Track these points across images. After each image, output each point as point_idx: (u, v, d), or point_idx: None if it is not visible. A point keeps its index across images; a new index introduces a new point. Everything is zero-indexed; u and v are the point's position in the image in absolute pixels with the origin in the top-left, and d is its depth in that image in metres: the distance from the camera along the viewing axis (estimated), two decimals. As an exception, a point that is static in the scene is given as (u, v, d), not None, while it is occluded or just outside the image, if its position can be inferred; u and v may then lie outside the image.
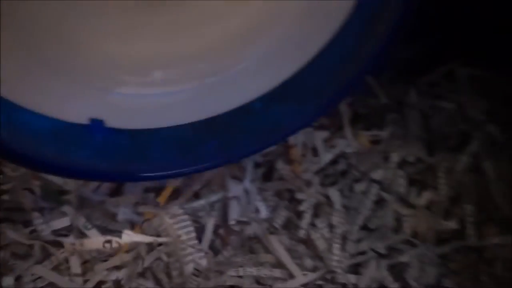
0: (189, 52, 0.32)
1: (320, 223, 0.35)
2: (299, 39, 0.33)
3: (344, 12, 0.31)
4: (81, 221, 0.31)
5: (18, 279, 0.28)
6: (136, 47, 0.29)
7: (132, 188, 0.35)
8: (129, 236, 0.31)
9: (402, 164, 0.39)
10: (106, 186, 0.35)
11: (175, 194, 0.35)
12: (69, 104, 0.30)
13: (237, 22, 0.32)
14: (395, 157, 0.39)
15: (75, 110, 0.30)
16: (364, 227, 0.35)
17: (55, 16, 0.26)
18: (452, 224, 0.35)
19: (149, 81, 0.31)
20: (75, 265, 0.29)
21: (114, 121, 0.31)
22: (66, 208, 0.32)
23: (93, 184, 0.35)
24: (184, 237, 0.31)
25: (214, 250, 0.32)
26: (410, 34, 0.43)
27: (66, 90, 0.29)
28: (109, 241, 0.30)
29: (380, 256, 0.32)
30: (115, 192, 0.35)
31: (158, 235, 0.32)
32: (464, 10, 0.42)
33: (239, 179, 0.37)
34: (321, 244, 0.33)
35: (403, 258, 0.32)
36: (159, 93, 0.33)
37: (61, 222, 0.31)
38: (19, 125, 0.26)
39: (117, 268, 0.30)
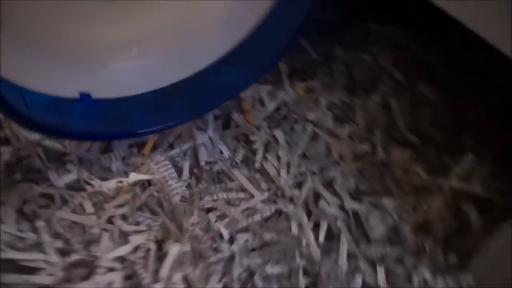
0: (155, 30, 0.40)
1: (270, 156, 0.45)
2: (239, 15, 0.42)
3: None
4: (84, 174, 0.40)
5: (47, 221, 0.36)
6: (115, 29, 0.37)
7: (118, 145, 0.44)
8: (125, 181, 0.40)
9: (330, 105, 0.50)
10: (97, 145, 0.43)
11: (155, 146, 0.44)
12: (63, 82, 0.37)
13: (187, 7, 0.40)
14: (323, 101, 0.50)
15: (69, 87, 0.37)
16: (303, 156, 0.46)
17: (48, 11, 0.33)
18: (366, 147, 0.47)
19: (128, 56, 0.39)
20: (88, 207, 0.38)
21: (99, 92, 0.39)
22: (69, 166, 0.40)
23: (86, 145, 0.43)
24: (168, 177, 0.41)
25: (191, 184, 0.42)
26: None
27: (59, 71, 0.36)
28: (110, 187, 0.39)
29: (314, 174, 0.44)
30: (105, 150, 0.43)
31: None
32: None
33: (203, 130, 0.47)
34: (271, 171, 0.44)
35: (331, 174, 0.44)
36: (134, 66, 0.41)
37: (69, 177, 0.39)
38: (32, 101, 0.34)
39: (121, 205, 0.39)
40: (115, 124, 0.42)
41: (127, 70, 0.40)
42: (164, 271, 0.34)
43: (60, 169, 0.40)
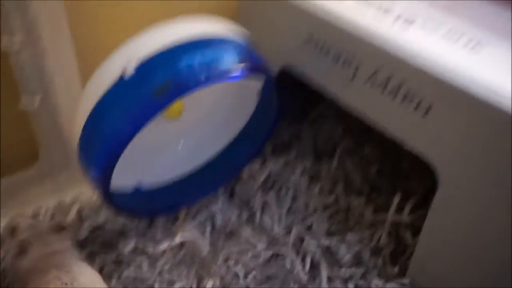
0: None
1: (265, 215, 0.63)
2: (232, 122, 0.63)
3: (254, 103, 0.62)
4: (140, 243, 0.57)
5: (118, 279, 0.53)
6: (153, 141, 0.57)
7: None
8: (168, 245, 0.58)
9: (303, 172, 0.70)
10: (145, 223, 0.61)
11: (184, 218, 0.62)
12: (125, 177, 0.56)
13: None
14: (298, 170, 0.70)
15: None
16: (289, 210, 0.64)
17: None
18: (331, 199, 0.66)
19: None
20: (145, 266, 0.55)
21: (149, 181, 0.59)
22: (130, 238, 0.58)
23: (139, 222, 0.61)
24: (196, 238, 0.59)
25: (212, 242, 0.59)
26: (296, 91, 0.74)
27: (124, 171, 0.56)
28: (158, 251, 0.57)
29: (298, 223, 0.62)
30: (150, 225, 0.61)
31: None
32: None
33: (215, 202, 0.65)
34: (268, 226, 0.62)
35: (309, 221, 0.62)
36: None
37: (130, 246, 0.57)
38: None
39: (166, 263, 0.56)
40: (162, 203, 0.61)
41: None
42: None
43: (123, 240, 0.58)
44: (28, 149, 0.60)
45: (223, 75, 0.46)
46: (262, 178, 0.68)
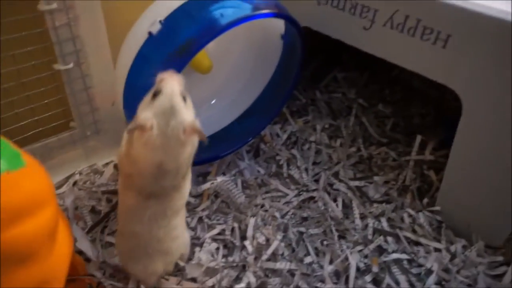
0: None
1: (292, 167, 0.66)
2: (253, 83, 0.66)
3: (275, 62, 0.65)
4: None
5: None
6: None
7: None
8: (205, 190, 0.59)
9: (323, 129, 0.73)
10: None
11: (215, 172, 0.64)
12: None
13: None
14: (318, 127, 0.73)
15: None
16: (314, 163, 0.67)
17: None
18: (353, 149, 0.69)
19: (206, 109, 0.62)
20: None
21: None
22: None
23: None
24: (231, 188, 0.60)
25: (245, 192, 0.61)
26: (308, 60, 0.78)
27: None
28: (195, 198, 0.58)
29: (325, 170, 0.65)
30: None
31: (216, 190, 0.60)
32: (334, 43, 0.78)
33: (242, 160, 0.67)
34: (296, 176, 0.64)
35: (335, 169, 0.65)
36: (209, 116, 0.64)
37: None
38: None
39: (204, 210, 0.58)
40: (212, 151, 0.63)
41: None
42: (250, 232, 0.53)
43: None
44: (61, 116, 0.61)
45: (244, 17, 0.49)
46: (284, 136, 0.71)
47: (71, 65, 0.58)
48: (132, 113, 0.50)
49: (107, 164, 0.65)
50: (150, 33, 0.50)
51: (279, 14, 0.51)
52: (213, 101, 0.66)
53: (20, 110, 0.55)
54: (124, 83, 0.53)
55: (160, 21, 0.50)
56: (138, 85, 0.50)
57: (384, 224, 0.57)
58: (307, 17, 0.61)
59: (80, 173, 0.63)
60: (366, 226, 0.57)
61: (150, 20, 0.51)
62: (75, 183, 0.61)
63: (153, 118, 0.37)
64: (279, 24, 0.60)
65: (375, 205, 0.59)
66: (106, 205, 0.57)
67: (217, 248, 0.53)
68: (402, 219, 0.58)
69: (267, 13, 0.49)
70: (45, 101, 0.58)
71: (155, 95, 0.39)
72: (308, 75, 0.82)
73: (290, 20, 0.53)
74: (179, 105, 0.38)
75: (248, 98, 0.67)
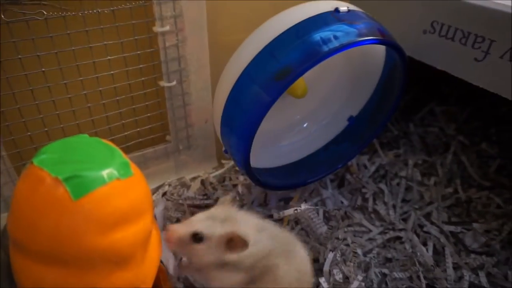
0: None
1: (378, 202, 0.62)
2: (347, 109, 0.64)
3: (372, 88, 0.63)
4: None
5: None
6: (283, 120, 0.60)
7: (273, 201, 0.63)
8: (284, 215, 0.59)
9: (415, 165, 0.68)
10: (257, 201, 0.63)
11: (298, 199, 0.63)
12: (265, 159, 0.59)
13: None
14: (410, 162, 0.68)
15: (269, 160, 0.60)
16: (402, 201, 0.63)
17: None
18: (450, 190, 0.63)
19: (296, 133, 0.62)
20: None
21: (285, 159, 0.61)
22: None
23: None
24: (312, 216, 0.59)
25: (327, 222, 0.59)
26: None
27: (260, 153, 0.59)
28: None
29: (414, 209, 0.60)
30: (264, 203, 0.63)
31: (297, 217, 0.59)
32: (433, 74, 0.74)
33: (325, 188, 0.66)
34: (382, 212, 0.61)
35: (428, 210, 0.60)
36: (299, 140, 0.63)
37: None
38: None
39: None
40: (292, 178, 0.63)
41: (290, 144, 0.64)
42: (326, 267, 0.51)
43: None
44: (159, 129, 0.66)
45: (346, 44, 0.47)
46: (372, 168, 0.68)
47: (174, 83, 0.62)
48: (229, 130, 0.52)
49: (194, 178, 0.68)
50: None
51: (385, 41, 0.49)
52: (304, 125, 0.66)
53: (126, 121, 0.61)
54: (224, 100, 0.54)
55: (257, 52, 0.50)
56: (240, 102, 0.51)
57: (483, 280, 0.51)
58: (410, 46, 0.58)
59: (169, 185, 0.67)
60: (460, 278, 0.51)
61: (257, 41, 0.52)
62: (164, 194, 0.65)
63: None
64: (380, 49, 0.58)
65: (472, 255, 0.53)
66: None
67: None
68: (505, 277, 0.51)
69: (372, 39, 0.48)
70: (148, 115, 0.63)
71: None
72: (402, 105, 0.78)
73: (396, 48, 0.51)
74: None
75: (341, 124, 0.66)
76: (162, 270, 0.47)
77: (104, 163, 0.32)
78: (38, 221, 0.30)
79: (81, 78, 0.55)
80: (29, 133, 0.54)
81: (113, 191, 0.31)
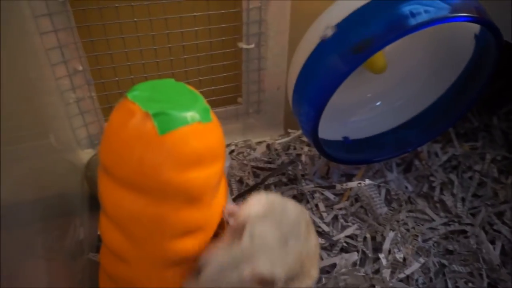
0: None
1: (446, 193, 0.60)
2: (426, 92, 0.61)
3: (456, 72, 0.59)
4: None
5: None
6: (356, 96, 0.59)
7: (336, 174, 0.63)
8: (346, 188, 0.58)
9: (493, 161, 0.64)
10: (318, 173, 0.63)
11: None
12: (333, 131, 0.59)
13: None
14: (488, 157, 0.64)
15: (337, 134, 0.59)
16: (474, 195, 0.59)
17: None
18: (530, 192, 0.58)
19: (367, 110, 0.61)
20: (321, 206, 0.57)
21: (353, 135, 0.61)
22: (309, 181, 0.61)
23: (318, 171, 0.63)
24: (373, 196, 0.58)
25: (388, 204, 0.58)
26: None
27: (333, 127, 0.59)
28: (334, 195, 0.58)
29: (486, 206, 0.56)
30: (326, 176, 0.63)
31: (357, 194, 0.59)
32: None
33: (391, 171, 0.64)
34: (449, 203, 0.58)
35: (501, 209, 0.56)
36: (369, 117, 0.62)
37: (310, 187, 0.60)
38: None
39: (341, 209, 0.57)
40: (363, 153, 0.62)
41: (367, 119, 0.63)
42: (386, 245, 0.50)
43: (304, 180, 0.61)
44: (232, 90, 0.68)
45: (431, 20, 0.44)
46: (444, 158, 0.65)
47: (252, 46, 0.63)
48: (301, 98, 0.52)
49: (260, 142, 0.69)
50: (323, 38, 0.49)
51: (481, 20, 0.46)
52: (377, 103, 0.64)
53: (204, 78, 0.63)
54: (300, 67, 0.53)
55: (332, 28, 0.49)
56: (315, 71, 0.51)
57: (554, 289, 0.47)
58: (508, 30, 0.53)
59: (236, 145, 0.69)
60: (528, 283, 0.48)
61: (337, 11, 0.51)
62: (231, 152, 0.67)
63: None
64: (473, 30, 0.54)
65: (546, 263, 0.50)
66: (252, 179, 0.61)
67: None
68: None
69: (466, 16, 0.44)
70: (224, 74, 0.64)
71: None
72: (486, 96, 0.72)
73: (492, 29, 0.47)
74: None
75: (416, 107, 0.63)
76: (224, 221, 0.50)
77: (188, 106, 0.34)
78: (125, 150, 0.33)
79: (167, 31, 0.57)
80: (116, 78, 0.59)
81: (193, 133, 0.33)
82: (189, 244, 0.36)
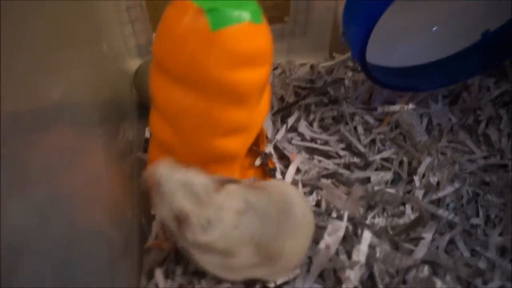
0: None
1: (491, 127, 0.58)
2: (488, 19, 0.56)
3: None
4: (358, 110, 0.59)
5: (336, 132, 0.57)
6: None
7: (378, 100, 0.62)
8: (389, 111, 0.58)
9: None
10: (360, 98, 0.63)
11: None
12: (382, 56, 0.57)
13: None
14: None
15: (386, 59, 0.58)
16: (523, 132, 0.57)
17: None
18: None
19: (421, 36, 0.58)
20: (360, 129, 0.57)
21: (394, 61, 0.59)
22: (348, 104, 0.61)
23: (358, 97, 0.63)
24: (414, 123, 0.57)
25: (428, 133, 0.58)
26: None
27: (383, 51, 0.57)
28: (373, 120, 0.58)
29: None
30: (368, 102, 0.62)
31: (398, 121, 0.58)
32: None
33: (435, 101, 0.62)
34: (493, 138, 0.56)
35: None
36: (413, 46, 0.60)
37: (351, 109, 0.60)
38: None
39: (380, 133, 0.57)
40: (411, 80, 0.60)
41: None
42: (422, 169, 0.51)
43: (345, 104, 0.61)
44: (280, 7, 0.66)
45: None
46: (496, 93, 0.62)
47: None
48: (351, 18, 0.50)
49: (303, 64, 0.69)
50: None
51: None
52: (433, 29, 0.60)
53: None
54: None
55: None
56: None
57: None
58: None
59: (279, 64, 0.69)
60: None
61: None
62: (273, 70, 0.67)
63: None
64: None
65: None
66: (293, 97, 0.62)
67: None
68: None
69: None
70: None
71: None
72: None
73: None
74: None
75: (471, 37, 0.59)
76: (263, 131, 0.51)
77: (240, 5, 0.34)
78: (178, 45, 0.34)
79: None
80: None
81: (245, 32, 0.33)
82: (231, 143, 0.38)
